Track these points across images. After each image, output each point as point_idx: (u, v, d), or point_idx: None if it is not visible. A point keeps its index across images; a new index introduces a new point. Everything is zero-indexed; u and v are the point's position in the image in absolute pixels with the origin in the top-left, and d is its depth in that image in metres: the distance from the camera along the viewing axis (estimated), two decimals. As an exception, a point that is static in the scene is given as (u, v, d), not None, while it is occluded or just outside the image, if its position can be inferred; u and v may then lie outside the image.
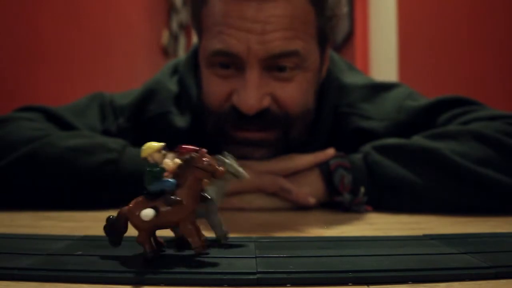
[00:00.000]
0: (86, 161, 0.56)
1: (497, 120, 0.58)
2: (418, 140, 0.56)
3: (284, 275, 0.24)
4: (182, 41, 3.00)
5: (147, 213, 0.26)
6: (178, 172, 0.27)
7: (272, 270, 0.25)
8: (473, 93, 0.68)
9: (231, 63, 0.56)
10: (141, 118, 0.67)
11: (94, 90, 0.73)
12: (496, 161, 0.52)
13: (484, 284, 0.24)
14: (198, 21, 0.60)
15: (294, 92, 0.58)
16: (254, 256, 0.28)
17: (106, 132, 0.66)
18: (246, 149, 0.58)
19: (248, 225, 0.46)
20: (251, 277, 0.24)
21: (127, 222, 0.28)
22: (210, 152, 0.67)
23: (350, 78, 0.70)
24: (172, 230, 0.30)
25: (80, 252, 0.29)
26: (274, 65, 0.55)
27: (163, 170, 0.27)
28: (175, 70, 0.71)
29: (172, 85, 0.69)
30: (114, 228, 0.28)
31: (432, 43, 1.63)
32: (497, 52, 1.19)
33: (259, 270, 0.25)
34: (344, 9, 0.64)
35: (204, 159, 0.27)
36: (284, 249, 0.30)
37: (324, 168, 0.57)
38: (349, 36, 2.43)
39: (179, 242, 0.30)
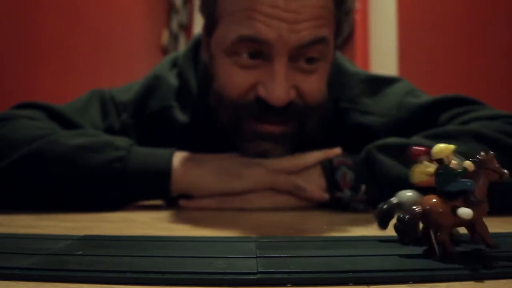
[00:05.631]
0: (93, 159, 0.55)
1: (497, 119, 0.58)
2: (418, 140, 0.56)
3: (285, 275, 0.24)
4: (182, 41, 2.99)
5: (467, 211, 0.26)
6: (469, 174, 0.27)
7: (273, 270, 0.25)
8: (472, 94, 0.68)
9: (258, 51, 0.55)
10: (143, 113, 0.66)
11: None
12: (496, 161, 0.52)
13: (484, 284, 0.24)
14: (213, 8, 0.58)
15: (317, 84, 0.58)
16: (254, 256, 0.28)
17: (109, 129, 0.65)
18: (266, 145, 0.58)
19: (248, 225, 0.46)
20: (251, 277, 0.24)
21: (419, 222, 0.28)
22: (220, 148, 0.65)
23: (351, 69, 0.70)
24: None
25: (80, 252, 0.29)
26: (302, 55, 0.55)
27: (465, 171, 0.27)
28: (174, 64, 0.70)
29: (172, 79, 0.68)
30: (408, 228, 0.29)
31: (432, 43, 1.63)
32: (497, 51, 1.19)
33: (259, 270, 0.25)
34: (356, 4, 0.65)
35: (494, 161, 0.28)
36: (285, 249, 0.30)
37: (327, 165, 0.57)
38: (349, 35, 2.42)
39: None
